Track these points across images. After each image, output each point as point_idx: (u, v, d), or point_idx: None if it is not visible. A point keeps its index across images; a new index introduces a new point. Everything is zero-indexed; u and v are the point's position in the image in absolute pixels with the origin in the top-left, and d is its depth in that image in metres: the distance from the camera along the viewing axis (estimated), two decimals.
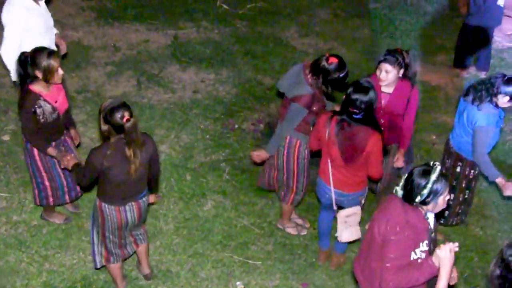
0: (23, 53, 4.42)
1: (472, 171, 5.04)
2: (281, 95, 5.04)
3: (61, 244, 5.14)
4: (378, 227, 3.53)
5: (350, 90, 4.22)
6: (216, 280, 4.98)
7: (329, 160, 4.50)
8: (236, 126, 6.68)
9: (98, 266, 4.57)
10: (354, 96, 4.17)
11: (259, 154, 5.07)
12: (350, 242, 4.94)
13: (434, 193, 3.40)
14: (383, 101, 4.84)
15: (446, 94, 7.69)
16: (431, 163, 3.43)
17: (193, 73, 7.50)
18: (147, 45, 7.92)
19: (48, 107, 4.50)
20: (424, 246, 3.49)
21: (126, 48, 7.84)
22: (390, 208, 3.53)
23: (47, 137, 4.64)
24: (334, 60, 4.54)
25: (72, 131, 4.97)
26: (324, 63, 4.53)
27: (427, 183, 3.38)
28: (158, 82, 7.23)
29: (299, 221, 5.56)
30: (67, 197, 5.02)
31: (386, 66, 4.73)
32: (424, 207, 3.48)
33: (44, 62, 4.34)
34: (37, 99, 4.44)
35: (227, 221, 5.55)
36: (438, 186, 3.38)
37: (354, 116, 4.23)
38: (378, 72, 4.80)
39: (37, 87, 4.46)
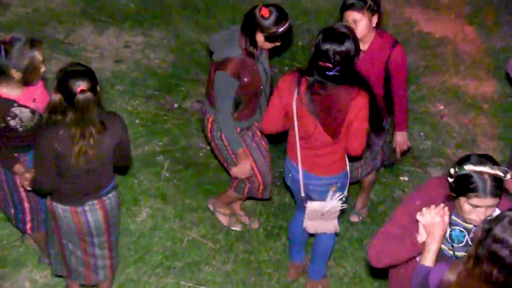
0: None
1: None
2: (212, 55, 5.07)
3: None
4: None
5: (319, 38, 4.16)
6: None
7: (297, 138, 4.47)
8: (176, 105, 6.68)
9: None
10: (325, 46, 4.10)
11: (238, 161, 5.06)
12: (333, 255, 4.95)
13: (462, 183, 3.39)
14: None
15: (455, 49, 7.78)
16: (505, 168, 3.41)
17: (113, 36, 7.47)
18: (47, 0, 7.83)
19: (25, 113, 4.38)
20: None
21: (17, 4, 7.74)
22: (430, 182, 3.76)
23: (20, 149, 4.56)
24: (268, 12, 4.57)
25: None
26: (257, 15, 4.57)
27: (469, 163, 3.38)
28: (66, 51, 7.16)
29: (244, 218, 5.70)
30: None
31: (352, 14, 4.69)
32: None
33: (26, 57, 4.20)
34: (9, 107, 4.32)
35: (170, 235, 5.54)
36: (473, 180, 3.37)
37: (327, 73, 4.17)
38: None
39: (6, 90, 4.32)
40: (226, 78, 4.66)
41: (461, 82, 7.30)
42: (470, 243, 3.56)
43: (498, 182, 3.34)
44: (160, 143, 6.30)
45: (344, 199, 4.70)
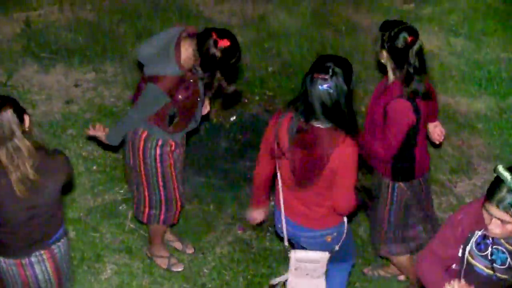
0: None
1: None
2: (141, 66, 5.13)
3: None
4: None
5: (317, 60, 4.23)
6: None
7: (279, 178, 4.54)
8: None
9: None
10: (327, 63, 4.13)
11: (98, 134, 5.20)
12: None
13: (491, 186, 3.54)
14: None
15: (442, 63, 7.95)
16: None
17: (61, 75, 7.47)
18: None
19: None
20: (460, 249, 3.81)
21: None
22: (475, 203, 3.89)
23: None
24: (225, 44, 4.66)
25: None
26: (211, 47, 4.66)
27: (509, 173, 3.50)
28: (9, 94, 7.08)
29: (177, 244, 5.82)
30: None
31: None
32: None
33: None
34: None
35: None
36: (499, 187, 3.49)
37: (320, 87, 4.10)
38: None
39: None
40: (156, 92, 4.78)
41: (451, 100, 7.42)
42: None
43: None
44: (122, 191, 6.29)
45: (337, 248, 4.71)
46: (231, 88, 4.85)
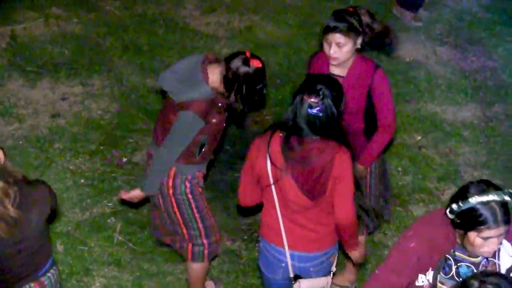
0: None
1: None
2: (163, 95, 5.04)
3: None
4: None
5: (308, 79, 4.28)
6: None
7: (277, 207, 4.42)
8: (124, 159, 6.70)
9: None
10: (318, 86, 4.15)
11: (132, 195, 5.11)
12: None
13: (467, 217, 3.50)
14: None
15: (429, 72, 7.99)
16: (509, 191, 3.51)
17: (47, 88, 7.46)
18: None
19: None
20: (430, 276, 3.69)
21: None
22: (432, 214, 3.87)
23: None
24: (256, 64, 4.63)
25: None
26: (240, 65, 4.61)
27: (470, 196, 3.48)
28: None
29: (210, 285, 5.62)
30: None
31: (336, 37, 4.82)
32: (458, 232, 3.62)
33: None
34: None
35: None
36: (480, 212, 3.46)
37: (310, 111, 4.11)
38: (326, 48, 4.90)
39: None
40: (191, 118, 4.65)
41: (438, 108, 7.47)
42: None
43: (506, 207, 3.45)
44: (110, 204, 6.29)
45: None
46: (240, 106, 4.76)
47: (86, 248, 5.91)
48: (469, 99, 7.64)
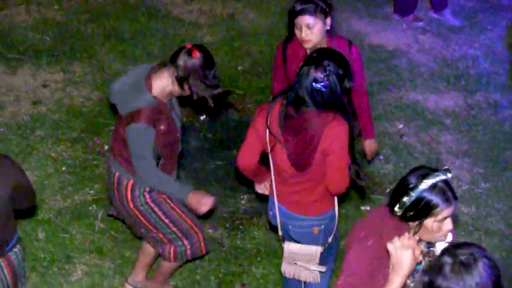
0: None
1: None
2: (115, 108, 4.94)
3: None
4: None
5: (317, 53, 4.30)
6: None
7: (272, 173, 4.56)
8: (106, 147, 6.68)
9: None
10: (325, 61, 4.17)
11: (196, 208, 4.93)
12: None
13: (419, 207, 3.53)
14: None
15: (410, 60, 8.02)
16: (444, 168, 3.56)
17: (29, 75, 7.44)
18: None
19: None
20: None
21: None
22: (370, 214, 3.78)
23: None
24: (201, 52, 4.59)
25: None
26: (186, 59, 4.56)
27: (414, 187, 3.51)
28: None
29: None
30: None
31: (305, 19, 4.86)
32: (410, 224, 3.61)
33: None
34: None
35: None
36: (430, 197, 3.52)
37: (314, 84, 4.16)
38: (297, 33, 4.94)
39: None
40: (141, 128, 4.55)
41: (420, 97, 7.50)
42: None
43: (448, 184, 3.52)
44: (92, 191, 6.28)
45: (327, 245, 4.72)
46: (207, 93, 4.67)
47: (68, 235, 5.90)
48: (451, 87, 7.68)
